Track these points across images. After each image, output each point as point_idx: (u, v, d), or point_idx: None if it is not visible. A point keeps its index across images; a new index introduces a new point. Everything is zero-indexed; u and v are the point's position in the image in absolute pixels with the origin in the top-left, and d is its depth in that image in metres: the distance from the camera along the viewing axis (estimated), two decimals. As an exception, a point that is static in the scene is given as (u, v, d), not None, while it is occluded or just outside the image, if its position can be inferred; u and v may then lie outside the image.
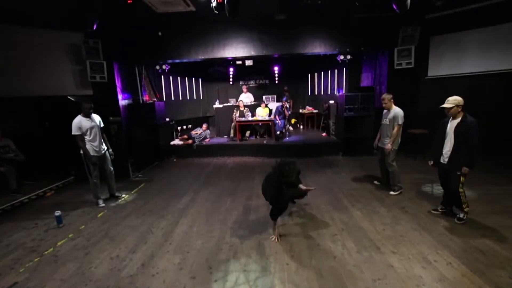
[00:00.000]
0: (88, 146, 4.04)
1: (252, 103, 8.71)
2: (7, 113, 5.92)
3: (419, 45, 5.85)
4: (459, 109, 3.14)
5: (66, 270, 2.66)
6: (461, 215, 3.26)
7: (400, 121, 4.02)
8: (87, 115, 4.05)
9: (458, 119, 3.15)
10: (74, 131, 3.91)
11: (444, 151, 3.30)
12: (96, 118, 4.19)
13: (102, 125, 4.27)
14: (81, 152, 4.05)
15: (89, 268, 2.67)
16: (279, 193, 2.80)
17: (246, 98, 9.22)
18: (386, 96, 4.15)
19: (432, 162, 3.51)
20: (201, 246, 2.97)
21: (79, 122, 3.94)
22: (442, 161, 3.34)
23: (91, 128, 4.04)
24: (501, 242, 2.81)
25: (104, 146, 4.29)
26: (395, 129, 4.05)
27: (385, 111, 4.28)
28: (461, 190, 3.17)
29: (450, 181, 3.25)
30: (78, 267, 2.70)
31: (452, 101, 3.14)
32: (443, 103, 3.18)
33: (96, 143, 4.12)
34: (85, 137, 4.00)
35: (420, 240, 2.91)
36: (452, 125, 3.20)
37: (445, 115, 3.26)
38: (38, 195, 4.78)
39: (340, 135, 6.89)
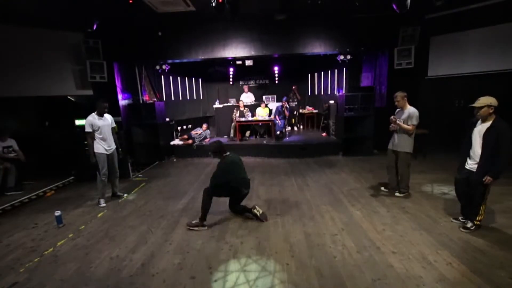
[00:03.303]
0: (99, 144, 4.10)
1: (253, 103, 8.72)
2: (7, 113, 5.93)
3: (419, 45, 5.85)
4: (491, 111, 2.75)
5: (66, 270, 2.66)
6: (469, 225, 3.02)
7: (415, 122, 3.77)
8: (101, 114, 4.13)
9: (488, 123, 2.78)
10: (87, 128, 4.01)
11: (470, 158, 2.98)
12: (109, 117, 4.27)
13: (113, 124, 4.35)
14: (94, 150, 4.09)
15: (89, 268, 2.67)
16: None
17: (247, 98, 9.22)
18: (399, 94, 3.87)
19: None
20: (201, 246, 2.96)
21: (91, 120, 4.03)
22: (467, 167, 3.00)
23: (103, 126, 4.11)
24: (501, 242, 2.81)
25: (114, 145, 4.34)
26: (409, 127, 3.79)
27: (398, 110, 4.00)
28: (484, 201, 2.92)
29: (474, 191, 2.94)
30: (78, 267, 2.70)
31: (484, 100, 2.77)
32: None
33: (107, 142, 4.18)
34: (96, 134, 4.07)
35: (420, 240, 2.90)
36: (481, 129, 2.84)
37: (471, 115, 2.93)
38: (38, 195, 4.78)
39: (340, 135, 6.89)
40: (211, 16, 5.25)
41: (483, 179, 2.81)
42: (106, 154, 4.19)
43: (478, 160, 2.88)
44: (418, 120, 3.81)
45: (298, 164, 6.24)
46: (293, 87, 9.67)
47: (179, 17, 5.60)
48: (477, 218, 3.00)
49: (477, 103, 2.82)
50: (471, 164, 2.98)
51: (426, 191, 4.30)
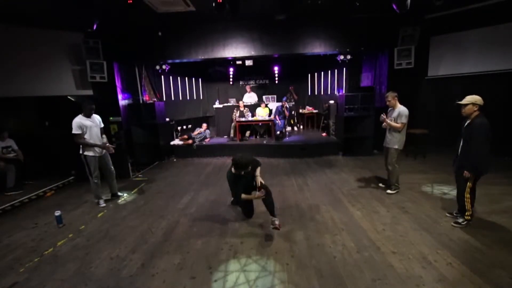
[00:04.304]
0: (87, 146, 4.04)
1: (255, 102, 8.72)
2: (7, 113, 5.93)
3: (419, 45, 5.85)
4: (475, 109, 2.90)
5: (66, 270, 2.66)
6: (460, 220, 3.15)
7: (404, 120, 3.93)
8: (88, 115, 4.05)
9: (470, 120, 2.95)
10: (75, 130, 3.90)
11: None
12: (96, 118, 4.18)
13: (102, 125, 4.26)
14: (81, 152, 4.03)
15: (89, 268, 2.67)
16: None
17: (249, 98, 9.21)
18: (390, 94, 4.06)
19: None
20: (201, 246, 2.96)
21: (79, 121, 3.95)
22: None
23: (91, 127, 4.04)
24: (502, 242, 2.81)
25: None
26: (398, 125, 3.95)
27: (390, 109, 4.18)
28: (467, 195, 3.03)
29: (458, 185, 3.16)
30: (78, 267, 2.70)
31: (469, 98, 2.93)
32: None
33: (96, 143, 4.10)
34: (85, 136, 3.99)
35: (420, 240, 2.91)
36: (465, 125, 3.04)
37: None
38: (38, 195, 4.78)
39: (340, 135, 6.88)
40: (211, 16, 5.24)
41: (463, 174, 2.99)
42: (97, 156, 4.13)
43: None
44: (407, 118, 3.97)
45: (298, 164, 6.24)
46: (290, 87, 9.70)
47: (179, 17, 5.59)
48: (466, 214, 3.10)
49: (463, 101, 2.98)
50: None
51: (426, 191, 4.30)
